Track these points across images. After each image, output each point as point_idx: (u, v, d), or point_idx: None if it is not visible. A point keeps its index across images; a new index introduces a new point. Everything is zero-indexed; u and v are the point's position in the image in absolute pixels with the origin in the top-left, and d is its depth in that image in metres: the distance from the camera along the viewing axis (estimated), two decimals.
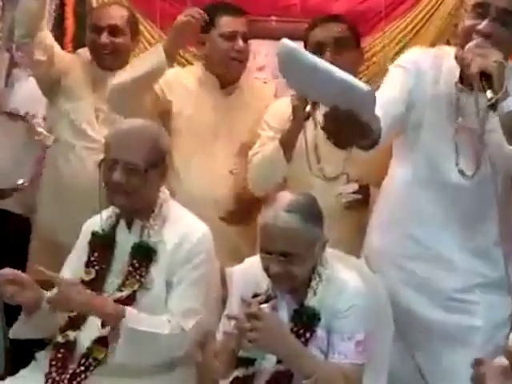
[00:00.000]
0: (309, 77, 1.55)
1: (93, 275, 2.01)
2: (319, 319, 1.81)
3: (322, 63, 1.56)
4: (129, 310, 1.92)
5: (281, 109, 2.40)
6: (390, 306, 2.02)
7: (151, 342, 1.91)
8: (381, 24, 2.87)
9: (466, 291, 2.00)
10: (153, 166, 2.01)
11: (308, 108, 2.16)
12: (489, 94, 1.72)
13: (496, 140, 1.85)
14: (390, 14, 2.83)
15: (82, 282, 2.00)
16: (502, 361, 1.27)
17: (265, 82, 2.94)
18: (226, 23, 2.56)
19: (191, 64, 2.90)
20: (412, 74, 2.04)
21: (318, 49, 2.34)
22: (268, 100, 2.62)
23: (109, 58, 2.71)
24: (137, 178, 1.98)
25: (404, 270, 2.05)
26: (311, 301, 1.83)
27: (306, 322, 1.81)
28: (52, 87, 2.74)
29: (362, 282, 1.90)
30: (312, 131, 2.29)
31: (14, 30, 2.68)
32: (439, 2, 2.88)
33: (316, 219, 1.84)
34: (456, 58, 1.90)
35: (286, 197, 1.85)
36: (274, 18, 2.99)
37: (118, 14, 2.71)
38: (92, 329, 1.97)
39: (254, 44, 2.84)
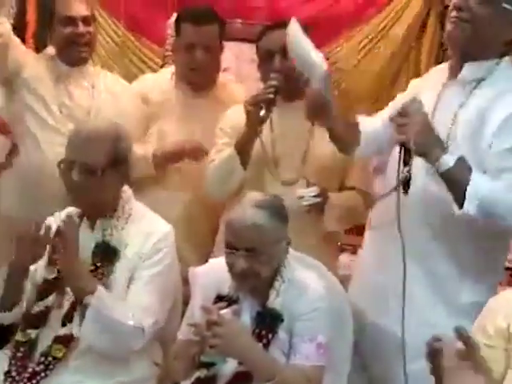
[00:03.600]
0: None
1: (55, 273, 2.00)
2: (282, 321, 1.83)
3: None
4: (101, 290, 1.92)
5: (235, 115, 2.39)
6: (350, 308, 2.05)
7: (113, 328, 1.91)
8: (345, 29, 2.92)
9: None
10: (111, 167, 2.00)
11: (262, 112, 2.18)
12: (404, 170, 1.75)
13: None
14: (354, 20, 2.88)
15: (45, 280, 1.99)
16: (459, 345, 1.31)
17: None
18: (187, 33, 2.54)
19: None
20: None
21: (268, 57, 2.36)
22: (240, 99, 2.57)
23: (84, 49, 2.69)
24: (94, 179, 1.98)
25: None
26: (274, 303, 1.85)
27: (268, 323, 1.83)
28: (10, 78, 2.68)
29: (322, 283, 1.93)
30: (269, 135, 2.31)
31: None
32: (403, 9, 2.94)
33: (281, 217, 1.87)
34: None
35: (254, 195, 1.88)
36: (239, 20, 3.01)
37: (84, 6, 2.70)
38: (53, 328, 1.96)
39: None
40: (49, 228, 1.96)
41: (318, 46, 2.61)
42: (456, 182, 1.78)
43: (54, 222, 2.07)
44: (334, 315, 1.93)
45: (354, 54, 2.92)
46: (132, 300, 1.97)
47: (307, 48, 2.00)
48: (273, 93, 2.20)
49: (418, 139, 1.74)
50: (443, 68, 2.05)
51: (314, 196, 2.25)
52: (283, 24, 2.36)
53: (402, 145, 1.77)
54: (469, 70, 1.91)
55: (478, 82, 1.90)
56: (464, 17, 1.85)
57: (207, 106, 2.60)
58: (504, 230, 1.90)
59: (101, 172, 1.98)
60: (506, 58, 1.93)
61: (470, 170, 1.79)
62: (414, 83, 2.16)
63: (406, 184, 1.76)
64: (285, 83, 2.25)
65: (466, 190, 1.76)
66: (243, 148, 2.29)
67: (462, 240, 1.91)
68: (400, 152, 1.77)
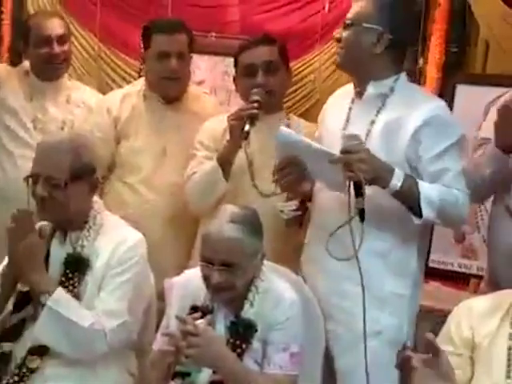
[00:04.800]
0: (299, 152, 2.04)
1: (28, 287, 1.99)
2: (256, 331, 1.86)
3: (308, 142, 2.03)
4: (60, 291, 1.94)
5: (214, 128, 2.43)
6: (322, 317, 2.09)
7: (69, 330, 1.92)
8: (317, 44, 2.96)
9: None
10: (75, 179, 2.01)
11: (246, 127, 2.21)
12: (358, 203, 1.88)
13: None
14: (325, 35, 2.92)
15: (19, 292, 1.99)
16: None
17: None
18: (159, 42, 2.55)
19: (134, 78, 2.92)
20: (322, 111, 2.32)
21: (250, 70, 2.41)
22: (213, 111, 2.64)
23: (59, 67, 2.72)
24: (58, 192, 1.99)
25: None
26: (248, 312, 1.88)
27: (242, 333, 1.85)
28: None
29: (296, 293, 1.96)
30: (247, 147, 2.34)
31: None
32: None
33: (257, 231, 1.90)
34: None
35: (229, 209, 1.91)
36: (213, 33, 3.04)
37: (59, 24, 2.74)
38: (27, 341, 1.97)
39: (194, 58, 2.88)
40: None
41: (291, 58, 2.69)
42: (408, 197, 1.96)
43: None
44: (307, 323, 1.96)
45: (328, 65, 2.96)
46: (97, 305, 1.98)
47: (307, 143, 2.02)
48: (256, 108, 2.25)
49: (366, 174, 1.88)
50: (345, 91, 2.23)
51: (294, 210, 2.28)
52: (265, 40, 2.47)
53: (353, 180, 1.89)
54: (372, 88, 2.09)
55: (383, 99, 2.07)
56: (339, 45, 2.11)
57: (180, 117, 2.62)
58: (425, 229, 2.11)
59: (64, 184, 1.98)
60: (403, 74, 2.13)
61: (416, 183, 1.96)
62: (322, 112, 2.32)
63: (361, 213, 1.89)
64: (267, 98, 2.31)
65: (419, 201, 1.94)
66: (225, 161, 2.32)
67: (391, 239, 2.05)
68: (350, 187, 1.90)
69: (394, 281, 2.06)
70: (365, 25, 2.05)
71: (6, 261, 2.05)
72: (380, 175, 1.93)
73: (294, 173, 2.10)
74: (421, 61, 2.78)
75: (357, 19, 2.07)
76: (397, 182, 1.93)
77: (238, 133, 2.25)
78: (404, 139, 2.01)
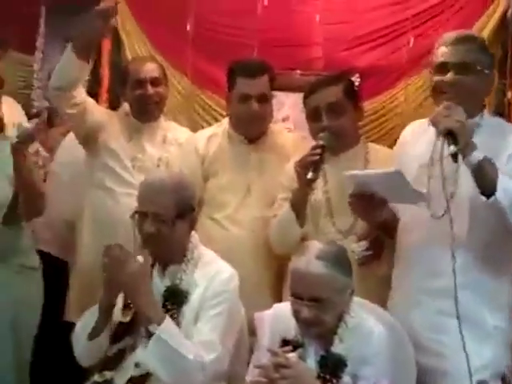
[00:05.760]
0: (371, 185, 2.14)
1: (130, 317, 2.11)
2: (345, 365, 1.89)
3: (374, 172, 2.19)
4: (168, 321, 2.02)
5: (292, 169, 2.45)
6: (413, 351, 2.09)
7: (173, 360, 1.99)
8: (402, 78, 2.99)
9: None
10: (180, 216, 2.12)
11: (310, 175, 2.26)
12: (452, 147, 1.95)
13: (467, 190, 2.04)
14: (411, 69, 2.94)
15: (120, 323, 2.11)
16: None
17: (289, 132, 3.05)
18: (241, 85, 2.62)
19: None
20: (401, 145, 2.39)
21: (315, 114, 2.44)
22: (294, 147, 2.70)
23: (154, 108, 2.87)
24: (166, 228, 2.10)
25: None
26: (337, 348, 1.91)
27: (332, 368, 1.89)
28: (89, 140, 2.86)
29: (385, 329, 1.98)
30: (322, 186, 2.41)
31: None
32: None
33: (345, 267, 1.94)
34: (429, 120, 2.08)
35: (317, 245, 1.96)
36: (298, 71, 3.11)
37: (154, 68, 2.89)
38: (127, 369, 2.07)
39: (279, 96, 2.98)
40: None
41: (377, 93, 2.73)
42: (485, 175, 1.97)
43: None
44: (397, 358, 1.98)
45: (414, 98, 2.98)
46: (194, 336, 2.05)
47: (373, 173, 2.17)
48: (319, 154, 2.28)
49: (460, 128, 1.96)
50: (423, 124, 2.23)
51: (364, 250, 2.31)
52: (328, 81, 2.49)
53: (447, 132, 1.96)
54: None
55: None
56: (447, 87, 2.14)
57: (262, 155, 2.69)
58: None
59: (171, 222, 2.10)
60: (485, 111, 2.24)
61: (496, 169, 1.98)
62: (401, 142, 2.39)
63: (455, 156, 1.95)
64: (334, 139, 2.35)
65: (494, 181, 1.96)
66: (297, 205, 2.38)
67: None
68: (446, 136, 1.96)
69: (491, 313, 2.07)
70: (478, 67, 2.13)
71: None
72: (469, 137, 1.97)
73: (366, 198, 2.15)
74: (509, 94, 2.77)
75: (467, 62, 2.13)
76: (479, 154, 1.96)
77: (303, 180, 2.30)
78: (501, 165, 2.03)
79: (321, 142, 2.32)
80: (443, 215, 1.97)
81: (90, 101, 2.84)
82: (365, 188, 2.13)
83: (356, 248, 2.32)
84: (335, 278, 1.90)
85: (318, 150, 2.29)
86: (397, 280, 2.27)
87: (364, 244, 2.32)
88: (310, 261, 1.90)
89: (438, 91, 2.17)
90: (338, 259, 1.93)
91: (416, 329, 2.12)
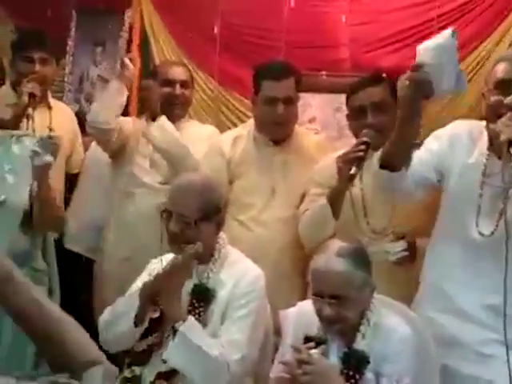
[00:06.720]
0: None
1: (158, 313, 2.16)
2: (368, 362, 1.91)
3: None
4: (191, 319, 2.06)
5: (328, 166, 2.49)
6: (434, 349, 2.10)
7: (197, 357, 2.02)
8: None
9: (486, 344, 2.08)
10: (204, 218, 2.16)
11: (353, 170, 2.27)
12: None
13: None
14: None
15: (149, 319, 2.14)
16: None
17: (316, 133, 3.08)
18: (267, 88, 2.66)
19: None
20: (445, 144, 2.23)
21: (360, 112, 2.47)
22: (318, 149, 2.74)
23: (179, 109, 2.94)
24: (189, 230, 2.14)
25: (433, 324, 2.15)
26: (360, 344, 1.93)
27: (355, 364, 1.91)
28: (117, 154, 2.95)
29: (408, 327, 1.99)
30: (358, 186, 2.42)
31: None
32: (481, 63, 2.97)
33: (365, 264, 1.97)
34: (487, 128, 2.03)
35: (336, 243, 1.99)
36: (324, 72, 3.13)
37: (183, 71, 2.98)
38: (155, 365, 2.12)
39: (306, 97, 3.01)
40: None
41: None
42: None
43: (157, 264, 2.24)
44: (420, 356, 1.99)
45: (439, 100, 2.94)
46: (221, 335, 2.10)
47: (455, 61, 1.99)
48: (363, 150, 2.30)
49: None
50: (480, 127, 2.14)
51: (402, 250, 2.32)
52: (372, 80, 2.52)
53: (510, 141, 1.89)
54: None
55: None
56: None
57: (287, 157, 2.72)
58: None
59: (195, 223, 2.14)
60: None
61: None
62: (453, 131, 2.24)
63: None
64: (377, 137, 2.35)
65: None
66: (335, 200, 2.39)
67: None
68: (509, 147, 1.89)
69: None
70: None
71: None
72: None
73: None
74: None
75: None
76: None
77: (345, 175, 2.31)
78: None
79: (364, 139, 2.34)
80: (492, 233, 1.96)
81: (121, 119, 2.91)
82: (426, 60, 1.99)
83: (393, 247, 2.32)
84: (355, 275, 1.92)
85: (363, 147, 2.31)
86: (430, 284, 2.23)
87: (401, 244, 2.32)
88: (329, 258, 1.93)
89: (494, 112, 2.03)
90: (358, 256, 1.95)
91: (463, 339, 2.10)
